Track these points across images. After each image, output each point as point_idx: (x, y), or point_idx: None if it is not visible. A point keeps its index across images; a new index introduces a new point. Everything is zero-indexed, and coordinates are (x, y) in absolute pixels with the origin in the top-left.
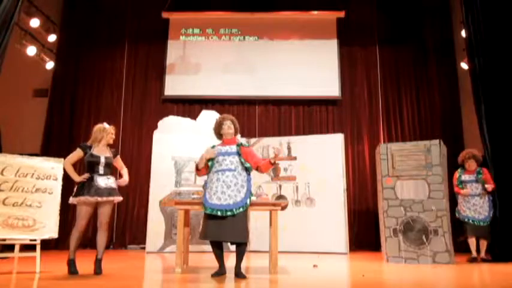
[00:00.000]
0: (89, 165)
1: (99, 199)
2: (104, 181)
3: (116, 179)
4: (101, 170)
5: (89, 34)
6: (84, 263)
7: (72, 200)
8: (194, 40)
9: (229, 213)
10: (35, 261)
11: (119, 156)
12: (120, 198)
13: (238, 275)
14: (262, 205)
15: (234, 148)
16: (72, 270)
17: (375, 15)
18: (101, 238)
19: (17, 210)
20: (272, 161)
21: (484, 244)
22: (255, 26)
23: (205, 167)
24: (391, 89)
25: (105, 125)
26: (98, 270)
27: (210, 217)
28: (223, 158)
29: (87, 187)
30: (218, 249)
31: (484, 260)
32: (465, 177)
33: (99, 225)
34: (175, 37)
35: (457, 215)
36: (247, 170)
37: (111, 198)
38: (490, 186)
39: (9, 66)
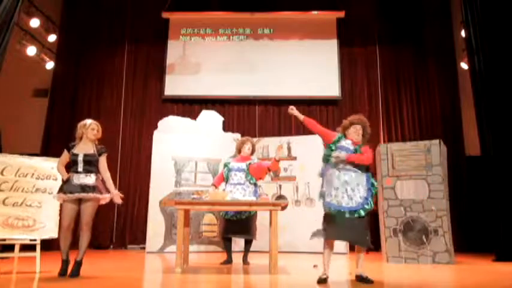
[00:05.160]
0: (72, 164)
1: (70, 196)
2: (79, 179)
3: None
4: (80, 167)
5: (89, 34)
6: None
7: (53, 197)
8: (194, 40)
9: (235, 217)
10: (35, 261)
11: (104, 156)
12: (100, 196)
13: (244, 262)
14: (262, 205)
15: (243, 166)
16: (61, 271)
17: (375, 15)
18: (81, 239)
19: (17, 210)
20: (277, 158)
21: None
22: (255, 26)
23: (221, 177)
24: (391, 89)
25: (87, 120)
26: (73, 273)
27: (227, 220)
28: (234, 173)
29: (64, 185)
30: (228, 243)
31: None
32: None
33: (80, 225)
34: (175, 37)
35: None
36: (255, 185)
37: (83, 194)
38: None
39: (9, 66)
